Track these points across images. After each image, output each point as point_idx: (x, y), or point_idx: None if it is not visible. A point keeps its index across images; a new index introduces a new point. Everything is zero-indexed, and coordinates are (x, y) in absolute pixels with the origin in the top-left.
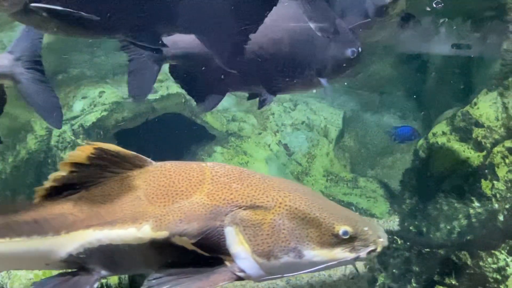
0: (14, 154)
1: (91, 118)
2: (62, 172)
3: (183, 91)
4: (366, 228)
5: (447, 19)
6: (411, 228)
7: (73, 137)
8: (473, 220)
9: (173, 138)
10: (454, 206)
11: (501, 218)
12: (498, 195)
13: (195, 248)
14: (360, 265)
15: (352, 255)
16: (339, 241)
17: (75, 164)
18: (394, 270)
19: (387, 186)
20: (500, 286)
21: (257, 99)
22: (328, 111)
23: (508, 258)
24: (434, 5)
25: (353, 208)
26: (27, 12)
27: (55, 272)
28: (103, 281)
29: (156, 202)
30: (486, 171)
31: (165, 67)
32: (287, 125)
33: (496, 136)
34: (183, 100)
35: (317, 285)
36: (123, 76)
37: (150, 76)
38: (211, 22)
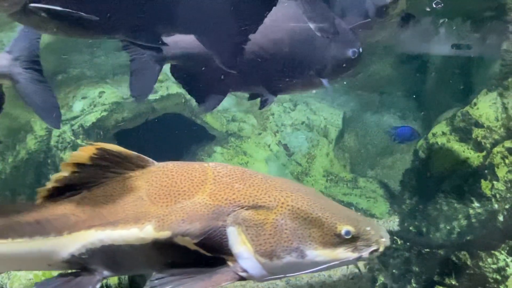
0: (14, 154)
1: (91, 118)
2: (64, 173)
3: (183, 91)
4: (368, 228)
5: (447, 20)
6: (411, 228)
7: (73, 137)
8: (473, 220)
9: (173, 138)
10: (454, 206)
11: (500, 218)
12: (498, 196)
13: (197, 248)
14: (359, 265)
15: (355, 255)
16: (341, 241)
17: (77, 165)
18: (394, 270)
19: (387, 186)
20: (500, 286)
21: (257, 99)
22: (328, 111)
23: (508, 258)
24: (434, 5)
25: (353, 209)
26: (27, 13)
27: (55, 273)
28: (103, 281)
29: (159, 202)
30: (486, 171)
31: (165, 67)
32: (287, 125)
33: (496, 137)
34: (183, 101)
35: (317, 285)
36: (123, 76)
37: (151, 76)
38: (211, 23)
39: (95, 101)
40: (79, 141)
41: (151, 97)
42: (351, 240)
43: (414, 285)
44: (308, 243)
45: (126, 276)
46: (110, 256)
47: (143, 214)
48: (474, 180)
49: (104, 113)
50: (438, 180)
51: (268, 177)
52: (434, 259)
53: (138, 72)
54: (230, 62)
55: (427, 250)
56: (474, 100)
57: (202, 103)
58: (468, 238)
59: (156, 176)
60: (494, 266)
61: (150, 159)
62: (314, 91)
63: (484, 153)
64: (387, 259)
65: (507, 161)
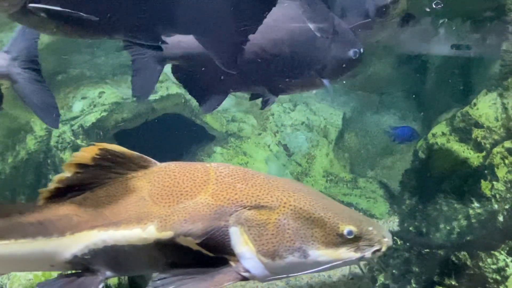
0: (13, 154)
1: (90, 119)
2: (66, 173)
3: (183, 92)
4: (370, 228)
5: (446, 20)
6: (410, 228)
7: (72, 138)
8: (473, 220)
9: (173, 138)
10: (453, 206)
11: (500, 218)
12: (497, 196)
13: (199, 248)
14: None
15: (357, 255)
16: (343, 241)
17: (80, 165)
18: (394, 271)
19: (386, 186)
20: (500, 286)
21: (258, 99)
22: (327, 111)
23: (507, 258)
24: (434, 6)
25: (353, 209)
26: (26, 13)
27: (54, 273)
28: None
29: (161, 203)
30: (485, 171)
31: (165, 67)
32: (286, 125)
33: (496, 137)
34: (183, 101)
35: (317, 285)
36: (123, 76)
37: (153, 76)
38: (210, 23)
39: (95, 101)
40: (79, 142)
41: (151, 97)
42: (354, 240)
43: (414, 285)
44: (310, 243)
45: (126, 277)
46: (112, 256)
47: (145, 215)
48: (474, 180)
49: (104, 114)
50: (438, 180)
51: (270, 177)
52: (434, 260)
53: (140, 72)
54: (229, 62)
55: (427, 250)
56: (474, 101)
57: (203, 103)
58: (468, 238)
59: (158, 177)
60: (494, 267)
61: (153, 160)
62: (314, 91)
63: (484, 153)
64: (387, 260)
65: (507, 161)
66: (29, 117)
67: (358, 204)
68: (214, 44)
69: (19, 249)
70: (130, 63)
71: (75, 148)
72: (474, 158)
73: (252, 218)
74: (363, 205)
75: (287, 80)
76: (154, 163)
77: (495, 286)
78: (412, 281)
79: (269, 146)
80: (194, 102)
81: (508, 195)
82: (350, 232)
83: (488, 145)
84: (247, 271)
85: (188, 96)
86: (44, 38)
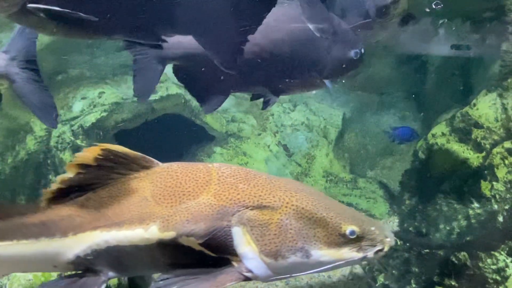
0: (13, 154)
1: (90, 119)
2: (69, 174)
3: (183, 92)
4: (373, 228)
5: (446, 20)
6: (410, 229)
7: (72, 138)
8: (473, 221)
9: (173, 139)
10: (453, 207)
11: (500, 219)
12: (497, 196)
13: (202, 249)
14: (359, 265)
15: (360, 255)
16: (346, 241)
17: (82, 166)
18: (393, 271)
19: (386, 187)
20: (500, 287)
21: (258, 99)
22: (327, 112)
23: (507, 259)
24: (434, 6)
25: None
26: (25, 13)
27: (55, 273)
28: None
29: (163, 203)
30: (485, 172)
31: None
32: (286, 126)
33: (496, 137)
34: (183, 101)
35: (317, 286)
36: (123, 76)
37: (154, 76)
38: (209, 23)
39: (94, 101)
40: (78, 142)
41: (151, 97)
42: (356, 240)
43: (413, 285)
44: (313, 243)
45: (126, 277)
46: (115, 256)
47: (148, 215)
48: (474, 180)
49: (104, 114)
50: (437, 180)
51: (272, 177)
52: (434, 260)
53: (141, 72)
54: (228, 63)
55: (427, 250)
56: (474, 101)
57: (204, 103)
58: (467, 238)
59: (161, 177)
60: (493, 267)
61: (155, 160)
62: (314, 92)
63: (484, 153)
64: (386, 260)
65: (506, 161)
66: (29, 118)
67: (358, 204)
68: (213, 45)
69: (22, 250)
70: (130, 63)
71: (75, 148)
72: (474, 158)
73: (255, 218)
74: (363, 205)
75: (288, 80)
76: (156, 163)
77: (495, 287)
78: (412, 281)
79: (269, 147)
80: (194, 103)
81: (508, 195)
82: (352, 232)
83: (488, 146)
84: (249, 271)
85: (188, 97)
86: (44, 38)
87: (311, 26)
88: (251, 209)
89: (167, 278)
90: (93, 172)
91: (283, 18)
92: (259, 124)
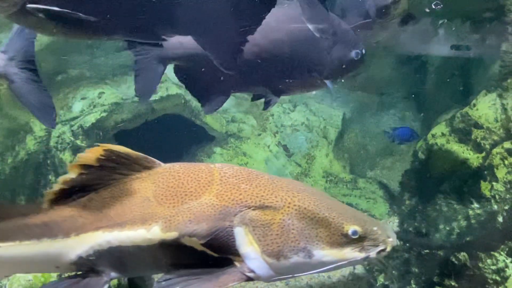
0: (13, 155)
1: (90, 119)
2: (71, 175)
3: (183, 92)
4: (375, 228)
5: (446, 20)
6: (410, 229)
7: (72, 138)
8: (473, 221)
9: (173, 139)
10: (453, 207)
11: (500, 219)
12: (497, 196)
13: (204, 249)
14: (358, 266)
15: (362, 255)
16: (348, 241)
17: (84, 166)
18: (393, 271)
19: (386, 187)
20: (500, 287)
21: (259, 100)
22: (327, 112)
23: (507, 259)
24: (433, 6)
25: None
26: (25, 13)
27: (54, 274)
28: None
29: (165, 203)
30: (485, 172)
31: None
32: (286, 126)
33: (495, 138)
34: (183, 101)
35: (317, 286)
36: (123, 77)
37: (155, 76)
38: (208, 24)
39: (94, 101)
40: (78, 142)
41: (151, 97)
42: (358, 240)
43: (413, 286)
44: (315, 243)
45: (126, 278)
46: (117, 257)
47: (150, 215)
48: (474, 181)
49: (104, 114)
50: (437, 181)
51: (274, 178)
52: (434, 260)
53: (142, 72)
54: (228, 63)
55: (427, 251)
56: (474, 101)
57: (205, 104)
58: (467, 239)
59: (163, 178)
60: (493, 267)
61: (157, 161)
62: (314, 92)
63: (484, 154)
64: (386, 260)
65: (506, 162)
66: (29, 118)
67: (358, 204)
68: (213, 45)
69: (24, 250)
70: (130, 64)
71: (75, 148)
72: (474, 158)
73: (257, 219)
74: (362, 206)
75: (289, 81)
76: (158, 164)
77: (495, 287)
78: (411, 281)
79: (268, 147)
80: (194, 103)
81: (508, 195)
82: (355, 232)
83: (487, 146)
84: (252, 271)
85: (188, 97)
86: (44, 39)
87: (310, 27)
88: (253, 209)
89: (170, 279)
90: (95, 173)
91: (285, 18)
92: (259, 124)
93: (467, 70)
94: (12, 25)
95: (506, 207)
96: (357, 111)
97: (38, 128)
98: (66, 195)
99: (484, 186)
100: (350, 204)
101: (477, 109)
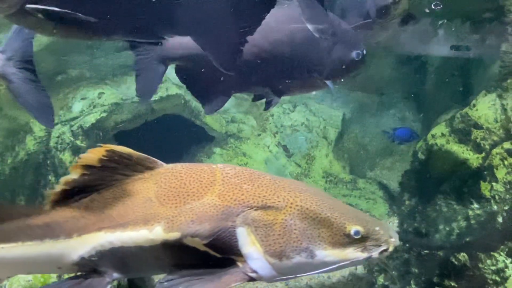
0: (13, 155)
1: (90, 119)
2: (73, 175)
3: (183, 92)
4: (377, 228)
5: (446, 21)
6: (410, 229)
7: (72, 139)
8: (472, 221)
9: (172, 139)
10: (453, 207)
11: (500, 219)
12: (497, 197)
13: (206, 249)
14: (358, 266)
15: (364, 255)
16: (350, 241)
17: (86, 167)
18: (393, 272)
19: (386, 187)
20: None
21: (260, 100)
22: (327, 112)
23: (507, 259)
24: (433, 7)
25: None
26: (24, 14)
27: (54, 274)
28: None
29: (168, 204)
30: (485, 172)
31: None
32: (286, 126)
33: (495, 138)
34: (182, 102)
35: (316, 286)
36: (123, 77)
37: (156, 76)
38: (207, 24)
39: (94, 102)
40: (78, 142)
41: None
42: (361, 240)
43: (413, 286)
44: (317, 243)
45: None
46: (119, 258)
47: (152, 216)
48: (473, 181)
49: (104, 114)
50: (437, 181)
51: (276, 178)
52: (434, 261)
53: (143, 72)
54: (227, 64)
55: (427, 251)
56: (473, 102)
57: (206, 104)
58: (467, 239)
59: (165, 178)
60: (493, 268)
61: (159, 161)
62: (314, 93)
63: (483, 154)
64: (386, 261)
65: (506, 162)
66: (29, 118)
67: (358, 205)
68: (212, 46)
69: (27, 251)
70: (129, 64)
71: (75, 149)
72: (474, 159)
73: (259, 219)
74: (362, 206)
75: (290, 81)
76: (160, 164)
77: (495, 287)
78: (411, 282)
79: (268, 147)
80: (193, 103)
81: (508, 196)
82: (357, 232)
83: (487, 146)
84: (254, 271)
85: (188, 97)
86: (44, 39)
87: (310, 27)
88: (255, 210)
89: (172, 279)
90: (98, 173)
91: (286, 18)
92: (258, 124)
93: (467, 70)
94: (11, 26)
95: (506, 208)
96: (357, 111)
97: (38, 128)
98: (68, 196)
99: (484, 187)
100: (350, 205)
101: (477, 110)
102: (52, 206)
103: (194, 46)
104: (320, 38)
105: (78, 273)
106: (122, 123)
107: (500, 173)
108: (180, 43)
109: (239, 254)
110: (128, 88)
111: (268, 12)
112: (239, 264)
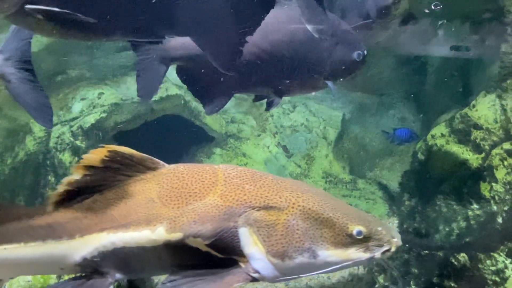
0: (12, 155)
1: (90, 120)
2: (75, 176)
3: (182, 93)
4: (379, 228)
5: (445, 21)
6: (410, 230)
7: (72, 139)
8: (472, 222)
9: (172, 139)
10: (453, 208)
11: (499, 220)
12: (496, 197)
13: (209, 250)
14: (358, 267)
15: (367, 255)
16: (353, 241)
17: (89, 167)
18: (393, 272)
19: (386, 188)
20: None
21: (260, 101)
22: (327, 113)
23: (506, 260)
24: (433, 7)
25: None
26: (23, 14)
27: (53, 275)
28: None
29: (170, 204)
30: (484, 173)
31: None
32: (286, 126)
33: (495, 138)
34: (182, 102)
35: (316, 287)
36: (122, 77)
37: (157, 76)
38: (207, 25)
39: (94, 102)
40: (78, 143)
41: None
42: (363, 240)
43: (413, 287)
44: (320, 243)
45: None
46: (122, 258)
47: (154, 216)
48: (473, 182)
49: (103, 115)
50: (437, 181)
51: (278, 178)
52: (433, 261)
53: (144, 72)
54: (227, 64)
55: (426, 251)
56: (473, 102)
57: (206, 104)
58: (467, 240)
59: (167, 178)
60: (493, 268)
61: (161, 162)
62: (314, 93)
63: (483, 155)
64: (388, 261)
65: (505, 163)
66: (28, 118)
67: (358, 205)
68: (211, 46)
69: (29, 252)
70: (129, 64)
71: (74, 149)
72: (473, 159)
73: (261, 219)
74: (362, 206)
75: (291, 81)
76: (162, 164)
77: None
78: (411, 282)
79: (268, 147)
80: (193, 103)
81: (507, 196)
82: (359, 232)
83: (487, 147)
84: (256, 272)
85: (188, 97)
86: (44, 39)
87: (309, 28)
88: (257, 210)
89: (174, 280)
90: (100, 174)
91: (287, 19)
92: (258, 125)
93: (466, 71)
94: (10, 26)
95: (506, 208)
96: (356, 111)
97: (38, 128)
98: (71, 197)
99: (484, 187)
100: (349, 205)
101: (476, 110)
102: (54, 207)
103: (195, 46)
104: (321, 38)
105: (81, 274)
106: (122, 124)
107: (500, 174)
108: (181, 43)
109: (241, 254)
110: (128, 89)
111: (267, 13)
112: (242, 264)
